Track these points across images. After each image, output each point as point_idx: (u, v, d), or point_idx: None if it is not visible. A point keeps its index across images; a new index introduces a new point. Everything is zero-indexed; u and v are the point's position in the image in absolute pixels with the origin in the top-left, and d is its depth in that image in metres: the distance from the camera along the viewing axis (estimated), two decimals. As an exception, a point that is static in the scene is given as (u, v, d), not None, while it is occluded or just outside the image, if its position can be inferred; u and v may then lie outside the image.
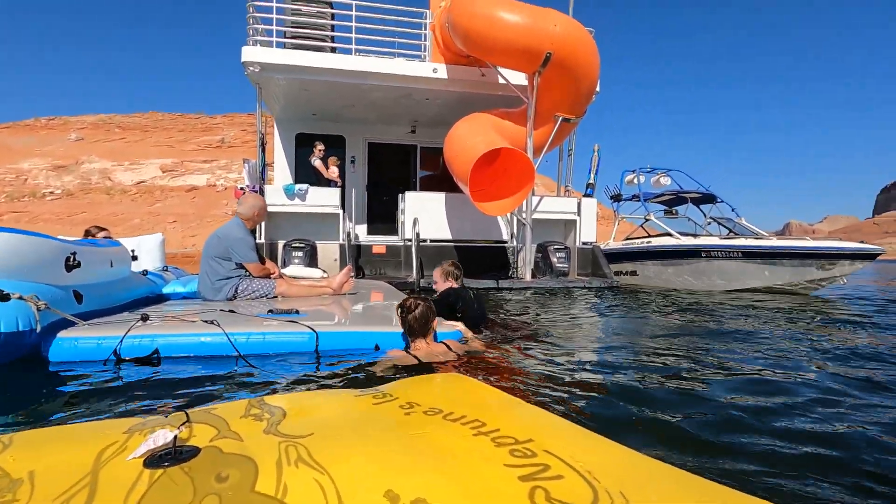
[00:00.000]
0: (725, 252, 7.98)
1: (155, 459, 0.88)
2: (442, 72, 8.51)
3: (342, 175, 9.65)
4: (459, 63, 8.53)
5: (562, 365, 2.54)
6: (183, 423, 1.04)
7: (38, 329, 2.19)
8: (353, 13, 8.52)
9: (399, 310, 2.41)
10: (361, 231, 10.65)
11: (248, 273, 3.99)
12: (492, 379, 2.19)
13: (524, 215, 8.42)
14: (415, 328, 2.36)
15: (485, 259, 8.92)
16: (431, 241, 8.67)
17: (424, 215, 8.63)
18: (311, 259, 8.04)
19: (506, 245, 9.13)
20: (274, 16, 8.29)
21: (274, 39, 8.39)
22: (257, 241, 4.72)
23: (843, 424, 1.74)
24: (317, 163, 9.09)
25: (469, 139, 7.61)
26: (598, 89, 8.36)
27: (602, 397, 2.00)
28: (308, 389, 1.99)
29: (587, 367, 2.55)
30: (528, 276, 8.36)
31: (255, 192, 8.25)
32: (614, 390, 2.09)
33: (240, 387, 2.02)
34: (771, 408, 1.90)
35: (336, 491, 0.75)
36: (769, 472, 1.36)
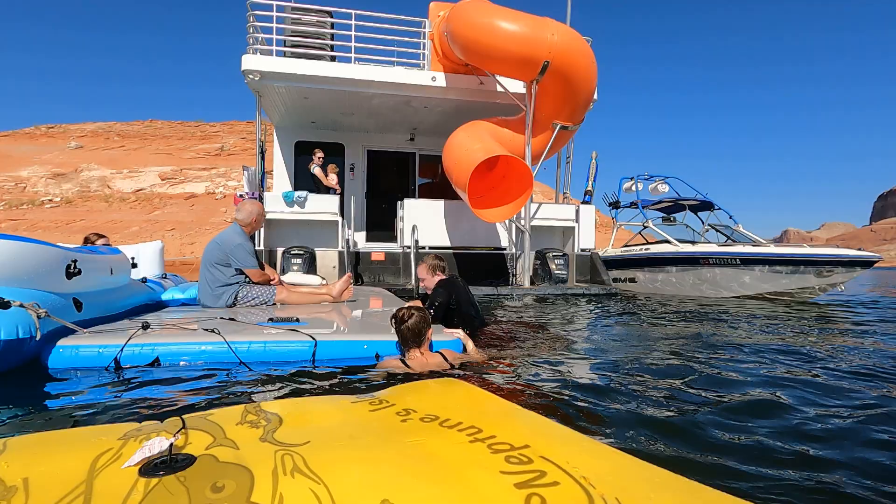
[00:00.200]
0: (723, 259, 7.99)
1: (150, 468, 0.87)
2: (441, 80, 8.56)
3: (341, 182, 9.68)
4: (458, 71, 8.58)
5: (560, 371, 2.54)
6: (179, 430, 1.03)
7: (38, 337, 2.19)
8: (353, 22, 8.58)
9: (392, 320, 2.41)
10: (360, 238, 10.66)
11: (247, 279, 3.99)
12: (489, 385, 2.19)
13: (523, 222, 8.44)
14: (408, 338, 2.35)
15: (483, 266, 8.93)
16: (430, 248, 8.67)
17: (423, 222, 8.65)
18: (310, 266, 8.04)
19: (504, 252, 9.14)
20: (274, 25, 8.35)
21: (274, 48, 8.45)
22: (256, 247, 4.72)
23: (842, 433, 1.73)
24: (316, 170, 9.12)
25: (467, 147, 7.64)
26: (595, 97, 8.42)
27: (599, 403, 2.00)
28: (308, 394, 1.98)
29: (585, 373, 2.54)
30: (527, 283, 8.36)
31: (254, 198, 8.27)
32: (612, 397, 2.08)
33: (238, 395, 2.02)
34: (768, 415, 1.90)
35: (332, 501, 0.75)
36: (765, 477, 1.35)
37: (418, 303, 3.45)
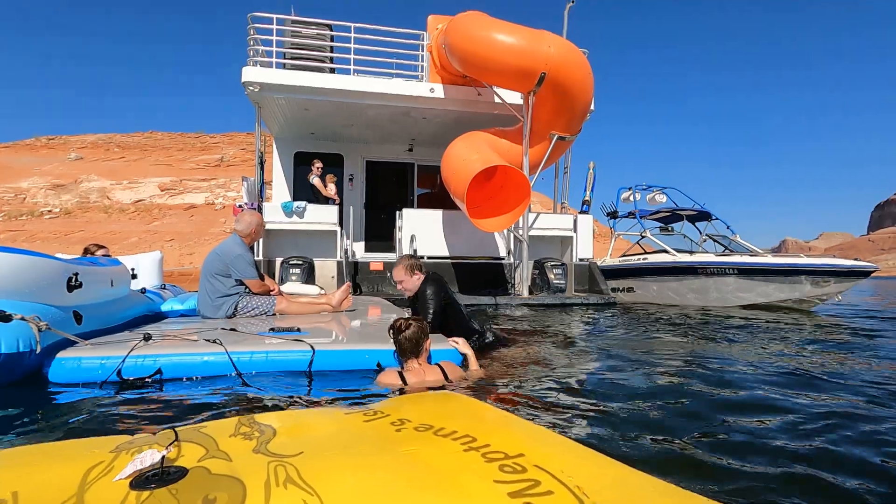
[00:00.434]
0: (721, 269, 8.01)
1: (141, 481, 0.86)
2: (439, 91, 8.64)
3: (340, 193, 9.71)
4: (456, 83, 8.66)
5: (557, 381, 2.54)
6: (171, 443, 1.03)
7: (38, 350, 2.19)
8: (352, 35, 8.68)
9: (390, 330, 2.41)
10: (359, 248, 10.67)
11: (247, 290, 3.99)
12: (485, 395, 2.18)
13: (521, 232, 8.46)
14: (406, 349, 2.34)
15: (482, 275, 8.93)
16: (429, 257, 8.68)
17: (422, 232, 8.66)
18: (309, 276, 8.04)
19: (503, 261, 9.14)
20: (274, 38, 8.44)
21: (274, 60, 8.53)
22: (255, 258, 4.72)
23: (840, 444, 1.73)
24: (315, 181, 9.15)
25: (466, 157, 7.68)
26: (592, 108, 8.49)
27: (596, 413, 1.99)
28: (303, 407, 1.97)
29: (583, 383, 2.54)
30: (526, 293, 8.35)
31: (253, 209, 8.29)
32: (608, 406, 2.08)
33: (237, 404, 2.02)
34: (763, 424, 1.90)
35: (325, 511, 0.75)
36: (761, 488, 1.35)
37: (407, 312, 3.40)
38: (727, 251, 9.44)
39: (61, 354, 2.30)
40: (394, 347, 2.46)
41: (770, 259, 7.87)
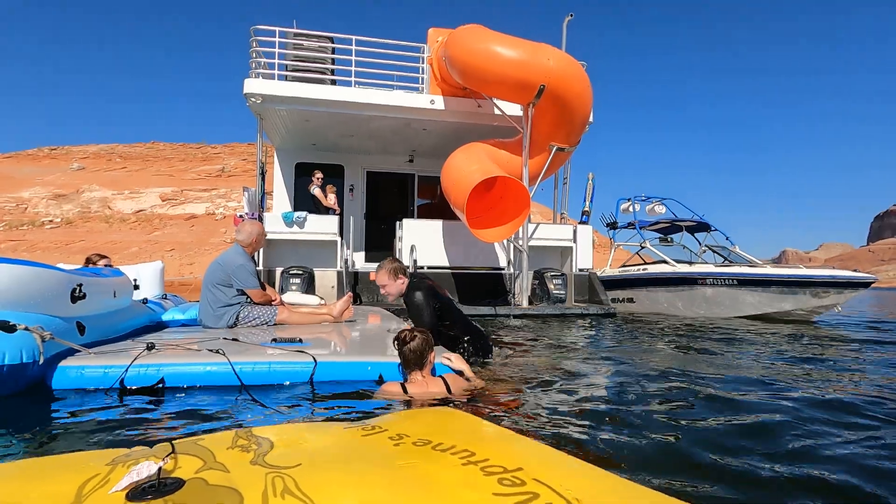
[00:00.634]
0: (721, 280, 8.01)
1: (138, 492, 0.86)
2: (439, 103, 8.71)
3: (340, 203, 9.75)
4: (456, 94, 8.74)
5: (558, 394, 2.53)
6: (168, 455, 1.03)
7: (41, 361, 2.20)
8: (353, 48, 8.78)
9: (395, 342, 2.40)
10: (359, 258, 10.67)
11: (248, 300, 3.99)
12: (485, 409, 2.17)
13: (521, 242, 8.47)
14: (410, 360, 2.34)
15: (482, 286, 8.93)
16: (429, 267, 8.69)
17: (422, 243, 8.68)
18: (309, 286, 8.04)
19: (503, 272, 9.15)
20: (276, 50, 8.52)
21: (276, 72, 8.61)
22: (256, 268, 4.73)
23: (841, 455, 1.72)
24: (316, 191, 9.19)
25: (465, 168, 7.72)
26: (591, 119, 8.55)
27: (596, 426, 1.99)
28: (303, 420, 1.97)
29: (582, 396, 2.53)
30: (526, 303, 8.34)
31: (254, 219, 8.32)
32: (607, 420, 2.08)
33: (239, 415, 2.02)
34: (765, 438, 1.90)
35: (322, 522, 0.75)
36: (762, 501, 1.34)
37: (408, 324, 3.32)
38: (727, 262, 9.45)
39: (64, 363, 2.31)
40: (396, 360, 2.45)
41: (769, 270, 7.88)
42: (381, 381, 2.44)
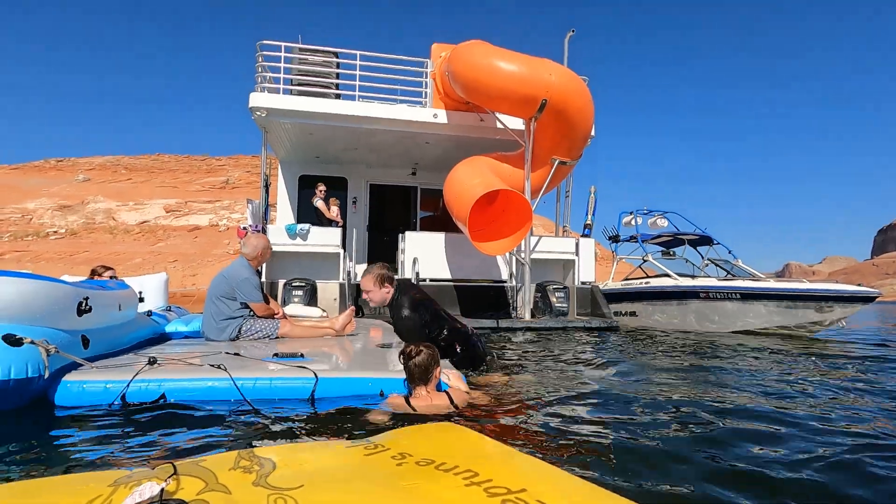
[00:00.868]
0: (724, 293, 7.99)
1: None
2: (442, 117, 8.81)
3: (343, 215, 9.80)
4: (459, 109, 8.84)
5: (560, 410, 2.52)
6: (170, 476, 1.03)
7: (47, 375, 2.20)
8: (358, 62, 8.91)
9: (400, 356, 2.38)
10: (361, 270, 10.68)
11: (251, 313, 4.01)
12: (488, 426, 2.16)
13: (523, 255, 8.49)
14: (415, 376, 2.31)
15: (484, 298, 8.93)
16: (431, 280, 8.70)
17: (424, 255, 8.70)
18: (311, 298, 8.05)
19: (505, 284, 9.15)
20: (282, 64, 8.65)
21: (281, 86, 8.73)
22: (260, 281, 4.76)
23: (846, 475, 1.71)
24: (319, 203, 9.26)
25: (468, 181, 7.78)
26: (593, 133, 8.62)
27: (599, 444, 1.98)
28: (306, 435, 1.97)
29: (586, 413, 2.52)
30: (528, 316, 8.33)
31: (258, 231, 8.37)
32: (613, 438, 2.07)
33: (240, 433, 2.02)
34: (771, 457, 1.88)
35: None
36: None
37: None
38: (729, 276, 9.44)
39: (67, 378, 2.31)
40: (397, 375, 2.44)
41: (772, 284, 7.87)
42: (382, 397, 2.43)
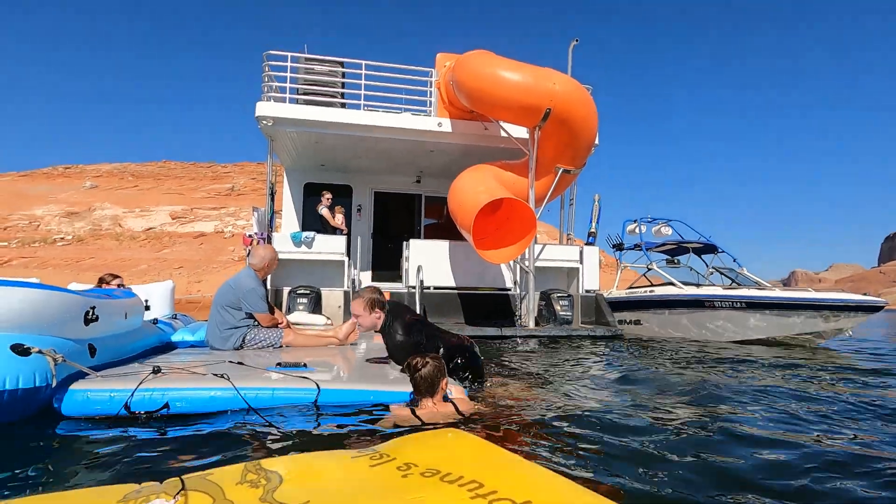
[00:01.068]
0: (729, 302, 7.95)
1: None
2: (447, 125, 8.86)
3: (348, 223, 9.85)
4: (463, 117, 8.89)
5: (565, 419, 2.52)
6: (178, 492, 1.04)
7: (54, 384, 2.22)
8: (363, 72, 9.00)
9: (407, 368, 2.36)
10: (366, 278, 10.71)
11: (256, 322, 4.03)
12: (494, 434, 2.17)
13: (527, 263, 8.50)
14: (421, 388, 2.29)
15: (488, 306, 8.93)
16: (435, 288, 8.72)
17: (428, 263, 8.72)
18: (316, 305, 8.07)
19: (509, 292, 9.15)
20: (288, 74, 8.74)
21: (287, 95, 8.83)
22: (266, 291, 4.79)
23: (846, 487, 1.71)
24: (324, 211, 9.31)
25: (472, 189, 7.81)
26: (597, 142, 8.65)
27: (604, 454, 1.98)
28: (311, 444, 1.98)
29: (591, 421, 2.52)
30: (532, 324, 8.32)
31: (263, 238, 8.43)
32: (618, 447, 2.07)
33: (243, 443, 2.03)
34: (779, 465, 1.87)
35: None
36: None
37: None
38: (734, 284, 9.39)
39: (72, 387, 2.33)
40: (398, 388, 2.44)
41: (778, 293, 7.82)
42: (385, 409, 2.43)
